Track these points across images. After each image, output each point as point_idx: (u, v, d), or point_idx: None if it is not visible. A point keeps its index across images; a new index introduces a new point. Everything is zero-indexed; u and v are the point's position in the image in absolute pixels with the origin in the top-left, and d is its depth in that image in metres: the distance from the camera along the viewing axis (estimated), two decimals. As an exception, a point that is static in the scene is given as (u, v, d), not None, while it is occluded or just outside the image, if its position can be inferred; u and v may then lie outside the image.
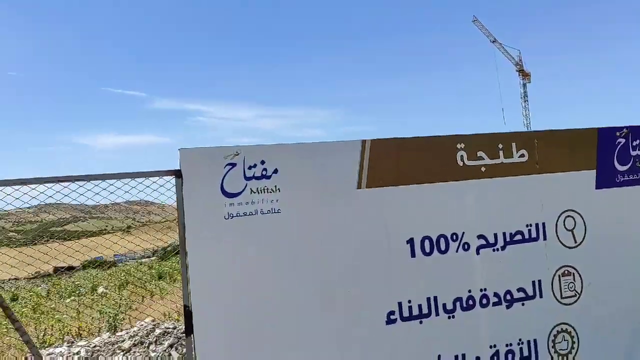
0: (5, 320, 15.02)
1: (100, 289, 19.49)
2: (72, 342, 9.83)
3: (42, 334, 11.36)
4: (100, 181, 3.64)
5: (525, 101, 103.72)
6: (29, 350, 3.25)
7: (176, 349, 8.58)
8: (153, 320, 9.87)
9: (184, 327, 8.88)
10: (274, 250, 3.77)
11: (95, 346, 8.94)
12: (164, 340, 8.77)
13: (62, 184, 3.56)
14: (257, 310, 3.70)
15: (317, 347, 3.83)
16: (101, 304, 14.70)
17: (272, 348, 3.72)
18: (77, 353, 8.70)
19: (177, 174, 3.68)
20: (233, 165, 3.73)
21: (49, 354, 8.93)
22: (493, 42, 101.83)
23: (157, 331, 9.02)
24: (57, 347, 9.69)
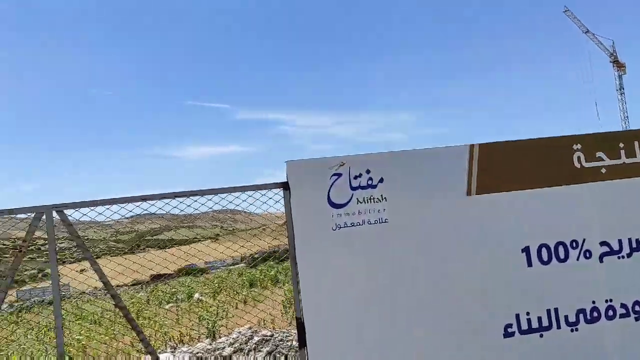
0: (114, 326, 15.94)
1: (196, 296, 20.20)
2: (175, 348, 10.23)
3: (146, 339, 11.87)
4: (213, 195, 3.72)
5: (621, 94, 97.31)
6: (144, 349, 3.36)
7: (274, 356, 8.67)
8: (250, 328, 10.06)
9: (277, 335, 8.90)
10: (383, 261, 3.70)
11: (197, 352, 9.22)
12: (262, 347, 8.90)
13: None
14: (368, 322, 3.64)
15: None
16: (198, 311, 15.22)
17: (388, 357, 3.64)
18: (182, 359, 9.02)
19: (285, 186, 3.70)
20: (339, 175, 3.70)
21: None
22: (586, 32, 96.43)
23: (256, 338, 9.18)
24: (162, 352, 10.11)
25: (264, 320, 12.33)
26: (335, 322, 3.60)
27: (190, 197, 3.57)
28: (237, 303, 16.30)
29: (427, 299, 3.71)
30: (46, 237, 3.42)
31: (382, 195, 3.73)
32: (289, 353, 8.62)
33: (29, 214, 3.32)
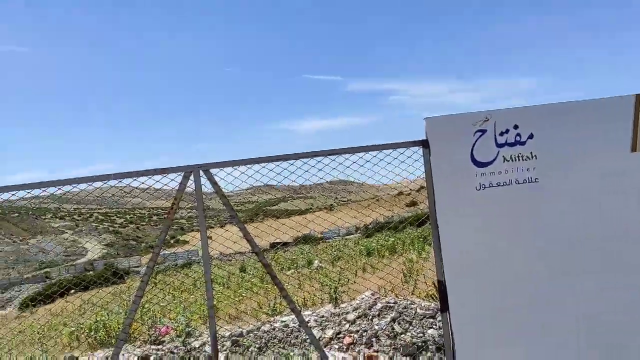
0: (240, 289, 16.82)
1: (316, 263, 20.76)
2: (300, 311, 10.55)
3: (272, 303, 12.38)
4: (337, 156, 3.65)
5: None
6: (287, 305, 3.41)
7: (398, 323, 8.62)
8: (373, 294, 10.09)
9: (401, 302, 8.79)
10: (532, 223, 3.44)
11: (322, 316, 9.42)
12: (386, 314, 8.88)
13: (290, 162, 3.64)
14: (512, 286, 3.42)
15: (569, 329, 3.39)
16: (319, 277, 15.60)
17: (528, 326, 3.41)
18: (308, 322, 9.26)
19: (424, 144, 3.54)
20: (483, 132, 3.46)
21: (283, 321, 9.67)
22: None
23: (379, 305, 9.17)
24: (287, 315, 10.47)
25: (384, 288, 12.34)
26: (478, 285, 3.42)
27: (328, 157, 3.54)
28: (356, 271, 16.50)
29: (582, 264, 3.40)
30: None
31: (531, 153, 3.45)
32: (413, 320, 8.53)
33: (178, 173, 3.47)
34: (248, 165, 3.52)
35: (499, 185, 3.44)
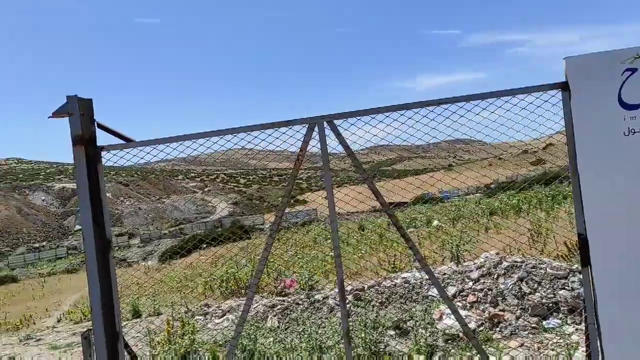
0: (360, 245, 17.11)
1: (435, 222, 20.49)
2: (420, 269, 10.46)
3: (392, 260, 12.45)
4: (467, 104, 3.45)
5: None
6: (422, 267, 3.36)
7: (526, 283, 8.27)
8: (497, 253, 9.74)
9: (529, 261, 8.41)
10: (690, 171, 3.04)
11: (444, 274, 9.29)
12: (512, 273, 8.54)
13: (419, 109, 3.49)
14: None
15: None
16: (440, 236, 15.39)
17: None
18: (429, 279, 9.18)
19: (564, 87, 3.24)
20: (633, 70, 3.09)
21: (403, 278, 9.68)
22: None
23: (505, 263, 8.84)
24: (408, 272, 10.47)
25: (510, 247, 11.88)
26: (622, 239, 3.12)
27: (455, 104, 3.37)
28: (478, 230, 16.06)
29: None
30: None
31: (695, 92, 3.03)
32: (543, 281, 8.13)
33: (303, 125, 3.51)
34: (372, 116, 3.46)
35: (651, 129, 3.07)
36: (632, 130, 3.10)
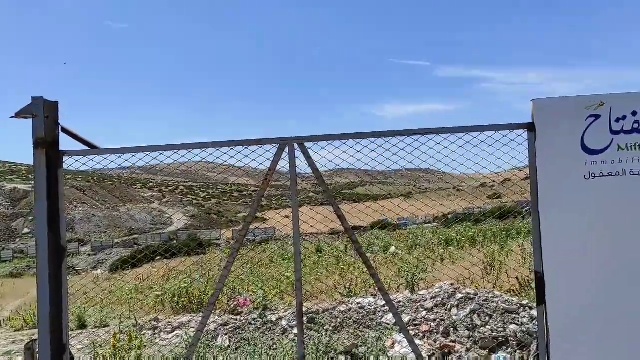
0: (317, 267, 17.00)
1: (392, 249, 20.63)
2: (375, 295, 10.49)
3: (348, 284, 12.44)
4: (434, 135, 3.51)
5: None
6: (378, 292, 3.36)
7: (478, 315, 8.38)
8: (452, 284, 9.86)
9: (482, 294, 8.52)
10: (646, 218, 3.16)
11: (399, 301, 9.33)
12: (465, 305, 8.66)
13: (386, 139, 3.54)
14: (616, 283, 3.17)
15: None
16: (396, 263, 15.49)
17: (631, 330, 3.16)
18: (384, 305, 9.21)
19: (530, 127, 3.34)
20: (596, 117, 3.21)
21: (358, 303, 9.68)
22: None
23: (459, 295, 8.95)
24: (363, 297, 10.48)
25: (463, 280, 12.04)
26: (579, 279, 3.21)
27: (426, 135, 3.42)
28: (434, 260, 16.24)
29: None
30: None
31: (650, 142, 3.16)
32: (494, 314, 8.26)
33: (273, 145, 3.49)
34: (342, 141, 3.48)
35: (610, 174, 3.19)
36: (593, 175, 3.21)
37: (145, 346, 8.12)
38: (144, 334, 8.99)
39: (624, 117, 3.19)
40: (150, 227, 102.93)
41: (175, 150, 3.54)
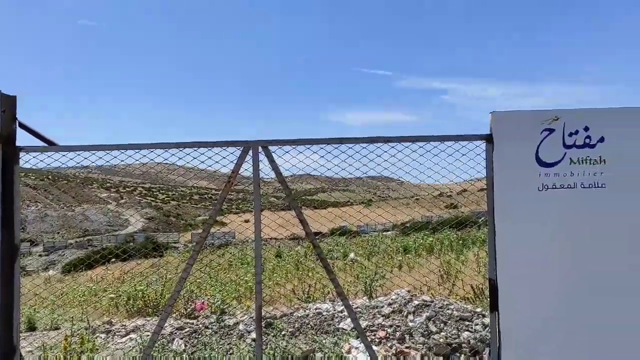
0: (275, 272, 16.94)
1: (351, 255, 20.74)
2: (333, 301, 10.54)
3: (307, 290, 12.44)
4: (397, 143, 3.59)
5: None
6: (340, 301, 3.39)
7: (433, 322, 8.53)
8: (409, 291, 10.00)
9: (437, 302, 8.66)
10: (594, 229, 3.31)
11: (356, 307, 9.39)
12: (422, 312, 8.79)
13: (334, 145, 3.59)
14: (567, 292, 3.31)
15: (622, 340, 3.25)
16: (354, 270, 15.58)
17: (579, 337, 3.29)
18: (342, 311, 9.26)
19: (488, 139, 3.45)
20: (551, 131, 3.35)
21: (316, 308, 9.70)
22: None
23: (415, 302, 9.09)
24: (321, 303, 10.50)
25: (419, 287, 12.22)
26: (530, 287, 3.33)
27: (388, 143, 3.49)
28: (392, 267, 16.42)
29: (634, 277, 3.25)
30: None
31: (600, 157, 3.31)
32: (449, 321, 8.42)
33: (237, 148, 3.49)
34: (307, 146, 3.51)
35: (562, 187, 3.32)
36: (546, 186, 3.33)
37: (97, 349, 7.91)
38: (96, 337, 8.77)
39: (577, 132, 3.34)
40: (106, 228, 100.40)
41: (137, 150, 3.50)
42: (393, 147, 3.53)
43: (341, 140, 3.47)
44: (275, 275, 16.30)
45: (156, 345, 7.25)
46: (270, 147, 3.49)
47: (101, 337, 9.03)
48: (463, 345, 7.83)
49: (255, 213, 3.40)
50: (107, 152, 3.49)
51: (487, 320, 8.07)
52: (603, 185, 3.30)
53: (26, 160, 3.46)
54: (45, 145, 3.53)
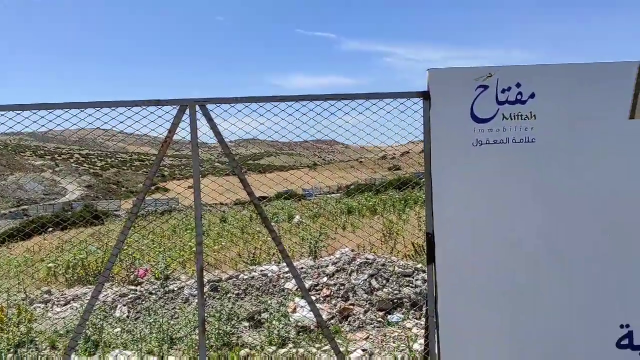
0: (219, 238, 16.85)
1: (297, 218, 20.88)
2: (279, 262, 10.63)
3: (251, 253, 12.47)
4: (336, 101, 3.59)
5: None
6: (282, 259, 3.42)
7: (376, 279, 8.77)
8: (352, 250, 10.21)
9: (380, 260, 8.93)
10: (524, 183, 3.45)
11: (301, 268, 9.52)
12: (364, 270, 9.02)
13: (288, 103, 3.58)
14: (500, 243, 3.46)
15: (554, 295, 3.46)
16: (299, 232, 15.71)
17: (512, 283, 3.46)
18: (287, 272, 9.36)
19: (425, 96, 3.50)
20: (485, 87, 3.43)
21: (262, 270, 9.77)
22: None
23: (358, 260, 9.30)
24: (267, 265, 10.58)
25: (363, 246, 12.50)
26: (465, 239, 3.46)
27: (328, 101, 3.48)
28: (336, 228, 16.67)
29: (560, 228, 3.43)
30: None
31: (531, 112, 3.43)
32: (391, 278, 8.68)
33: (174, 106, 3.39)
34: (245, 104, 3.45)
35: (495, 142, 3.43)
36: (480, 142, 3.44)
37: (35, 319, 7.70)
38: (34, 308, 8.52)
39: (509, 89, 3.43)
40: (41, 197, 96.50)
41: (67, 110, 3.33)
42: (333, 104, 3.53)
43: (282, 99, 3.43)
44: (220, 239, 16.22)
45: (98, 313, 7.12)
46: (208, 106, 3.41)
47: (40, 307, 8.79)
48: (404, 300, 8.12)
49: (194, 174, 3.34)
50: (34, 111, 3.31)
51: (426, 276, 8.40)
52: (533, 140, 3.43)
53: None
54: (-35, 104, 3.31)
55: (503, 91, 3.43)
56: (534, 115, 3.42)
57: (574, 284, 3.43)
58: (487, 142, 3.43)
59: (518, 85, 3.42)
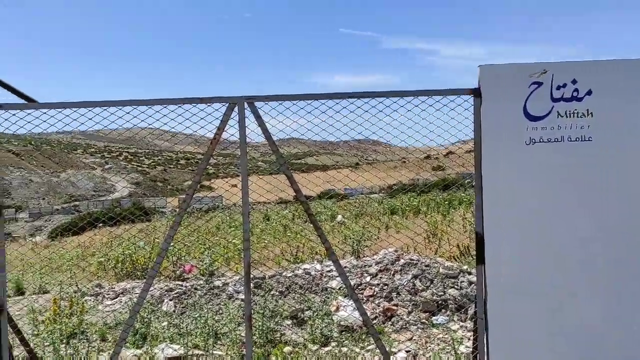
0: (263, 235, 16.99)
1: (339, 217, 20.87)
2: (322, 261, 10.64)
3: (295, 251, 12.54)
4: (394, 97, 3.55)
5: None
6: (328, 256, 3.41)
7: (420, 280, 8.66)
8: (396, 250, 10.11)
9: (424, 260, 8.80)
10: (580, 182, 3.32)
11: (345, 267, 9.49)
12: (408, 270, 8.91)
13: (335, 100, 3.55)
14: (552, 245, 3.34)
15: (608, 299, 3.31)
16: (342, 231, 15.70)
17: (564, 285, 3.33)
18: (330, 271, 9.36)
19: (476, 92, 3.42)
20: (539, 84, 3.32)
21: (305, 269, 9.79)
22: None
23: (402, 261, 9.20)
24: (310, 264, 10.60)
25: (407, 246, 12.36)
26: (517, 240, 3.35)
27: (376, 98, 3.45)
28: (379, 228, 16.57)
29: (619, 230, 3.28)
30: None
31: (588, 110, 3.30)
32: (435, 279, 8.56)
33: (222, 104, 3.43)
34: (294, 102, 3.45)
35: (549, 141, 3.32)
36: (533, 140, 3.33)
37: (87, 312, 7.96)
38: (85, 300, 8.81)
39: (565, 85, 3.31)
40: (92, 194, 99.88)
41: (120, 107, 3.41)
42: (381, 102, 3.49)
43: (330, 96, 3.42)
44: (263, 238, 16.39)
45: (146, 307, 7.30)
46: (256, 104, 3.43)
47: (90, 300, 9.08)
48: (449, 301, 7.99)
49: (242, 169, 3.37)
50: (90, 109, 3.41)
51: (472, 278, 8.23)
52: (590, 139, 3.30)
53: (6, 119, 3.37)
54: (25, 102, 3.44)
55: (558, 88, 3.31)
56: (591, 113, 3.29)
57: (627, 289, 3.29)
58: (541, 140, 3.32)
59: (574, 81, 3.30)
